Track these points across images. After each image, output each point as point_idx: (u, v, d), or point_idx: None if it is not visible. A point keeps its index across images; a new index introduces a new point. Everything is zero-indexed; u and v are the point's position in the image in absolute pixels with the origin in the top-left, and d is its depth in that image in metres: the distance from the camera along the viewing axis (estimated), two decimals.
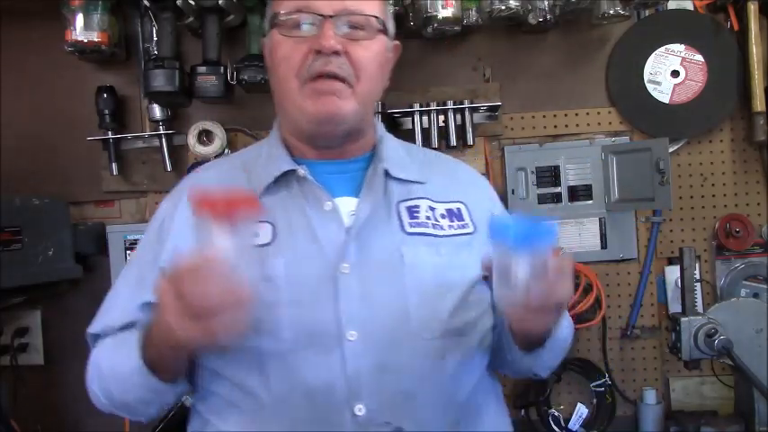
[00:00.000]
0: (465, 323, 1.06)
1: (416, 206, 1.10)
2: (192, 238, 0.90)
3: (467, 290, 1.06)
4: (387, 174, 1.10)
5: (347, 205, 1.07)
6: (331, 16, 1.02)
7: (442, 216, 1.11)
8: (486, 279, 0.94)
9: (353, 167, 1.12)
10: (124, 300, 1.08)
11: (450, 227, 1.10)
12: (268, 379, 0.99)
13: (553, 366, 1.15)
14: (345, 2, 1.03)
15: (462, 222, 1.12)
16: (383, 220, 1.07)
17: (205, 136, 1.84)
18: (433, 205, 1.11)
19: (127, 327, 1.05)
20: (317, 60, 1.01)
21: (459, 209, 1.13)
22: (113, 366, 1.01)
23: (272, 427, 0.99)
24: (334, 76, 1.02)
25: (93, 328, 1.10)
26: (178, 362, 0.97)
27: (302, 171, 1.07)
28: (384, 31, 1.08)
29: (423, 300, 1.02)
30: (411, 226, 1.07)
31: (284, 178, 1.08)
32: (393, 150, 1.15)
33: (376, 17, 1.05)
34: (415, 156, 1.19)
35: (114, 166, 1.86)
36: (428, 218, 1.09)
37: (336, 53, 1.01)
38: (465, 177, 1.22)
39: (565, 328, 1.11)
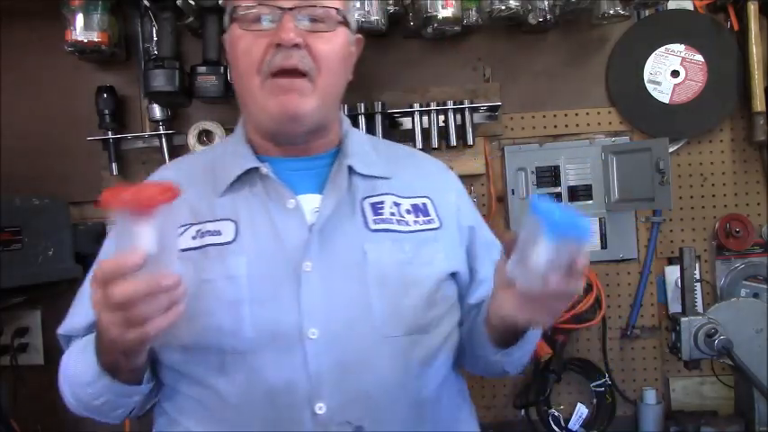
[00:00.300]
0: (430, 321, 1.05)
1: (381, 202, 1.09)
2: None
3: (432, 287, 1.06)
4: (351, 170, 1.09)
5: (311, 202, 1.06)
6: (291, 9, 1.00)
7: (408, 211, 1.10)
8: (506, 252, 0.91)
9: (318, 164, 1.11)
10: (88, 299, 1.07)
11: (415, 222, 1.09)
12: (230, 378, 0.99)
13: (523, 364, 1.14)
14: None
15: (428, 218, 1.11)
16: (347, 217, 1.06)
17: (205, 136, 1.84)
18: (399, 200, 1.11)
19: (92, 326, 1.02)
20: (277, 54, 1.00)
21: (424, 204, 1.13)
22: (78, 373, 1.00)
23: (235, 425, 0.99)
24: (296, 70, 1.01)
25: (61, 329, 1.10)
26: (134, 363, 0.95)
27: (265, 169, 1.06)
28: (346, 23, 1.07)
29: (386, 297, 1.02)
30: (375, 222, 1.07)
31: (247, 176, 1.08)
32: (359, 145, 1.14)
33: (337, 9, 1.04)
34: (382, 150, 1.18)
35: (114, 166, 1.86)
36: (393, 214, 1.08)
37: (297, 46, 1.00)
38: (432, 171, 1.21)
39: (533, 333, 1.10)
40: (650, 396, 1.82)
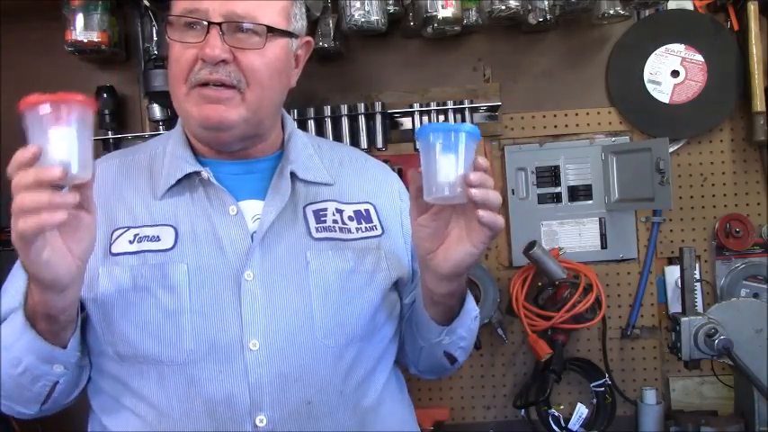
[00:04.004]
0: (372, 329, 1.05)
1: (324, 209, 1.08)
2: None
3: (374, 295, 1.05)
4: (294, 176, 1.08)
5: (253, 209, 1.05)
6: (219, 23, 0.98)
7: (350, 218, 1.09)
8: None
9: (260, 167, 1.09)
10: (16, 286, 1.02)
11: (357, 229, 1.09)
12: (168, 390, 0.98)
13: (467, 348, 1.13)
14: (235, 7, 0.98)
15: (371, 224, 1.10)
16: (289, 224, 1.05)
17: None
18: (341, 207, 1.10)
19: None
20: (203, 69, 0.98)
21: (367, 210, 1.12)
22: (2, 340, 0.95)
23: None
24: (222, 84, 0.99)
25: None
26: (49, 306, 0.90)
27: (206, 173, 1.04)
28: (285, 33, 1.04)
29: (327, 307, 1.01)
30: (317, 231, 1.06)
31: (187, 180, 1.05)
32: (302, 149, 1.12)
33: (268, 27, 1.00)
34: (325, 153, 1.16)
35: None
36: (335, 221, 1.08)
37: (224, 61, 0.98)
38: (375, 175, 1.19)
39: (472, 302, 1.10)
40: (650, 396, 1.82)
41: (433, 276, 0.98)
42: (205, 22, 0.98)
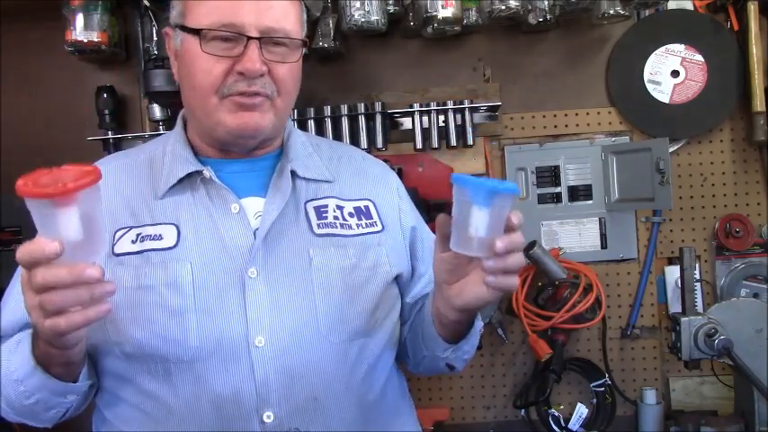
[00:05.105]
0: (374, 324, 1.06)
1: (324, 206, 1.09)
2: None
3: (376, 291, 1.06)
4: (294, 173, 1.09)
5: (254, 206, 1.05)
6: (257, 38, 0.99)
7: (350, 215, 1.10)
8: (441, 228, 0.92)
9: (261, 165, 1.10)
10: (18, 298, 1.00)
11: (358, 225, 1.09)
12: (175, 387, 0.98)
13: (468, 359, 1.14)
14: (269, 21, 1.00)
15: (371, 221, 1.11)
16: (291, 221, 1.06)
17: None
18: (341, 204, 1.10)
19: (25, 326, 0.99)
20: (239, 82, 0.99)
21: (367, 207, 1.12)
22: (10, 371, 0.95)
23: None
24: (256, 93, 1.00)
25: None
26: (67, 356, 0.91)
27: (207, 172, 1.05)
28: (305, 42, 1.06)
29: (331, 303, 1.02)
30: (319, 227, 1.06)
31: (189, 179, 1.06)
32: (301, 147, 1.13)
33: (302, 41, 1.04)
34: (324, 152, 1.17)
35: None
36: (336, 217, 1.08)
37: (261, 75, 1.00)
38: (374, 173, 1.19)
39: (480, 322, 1.11)
40: (650, 396, 1.82)
41: (445, 303, 0.99)
42: (244, 38, 0.99)
